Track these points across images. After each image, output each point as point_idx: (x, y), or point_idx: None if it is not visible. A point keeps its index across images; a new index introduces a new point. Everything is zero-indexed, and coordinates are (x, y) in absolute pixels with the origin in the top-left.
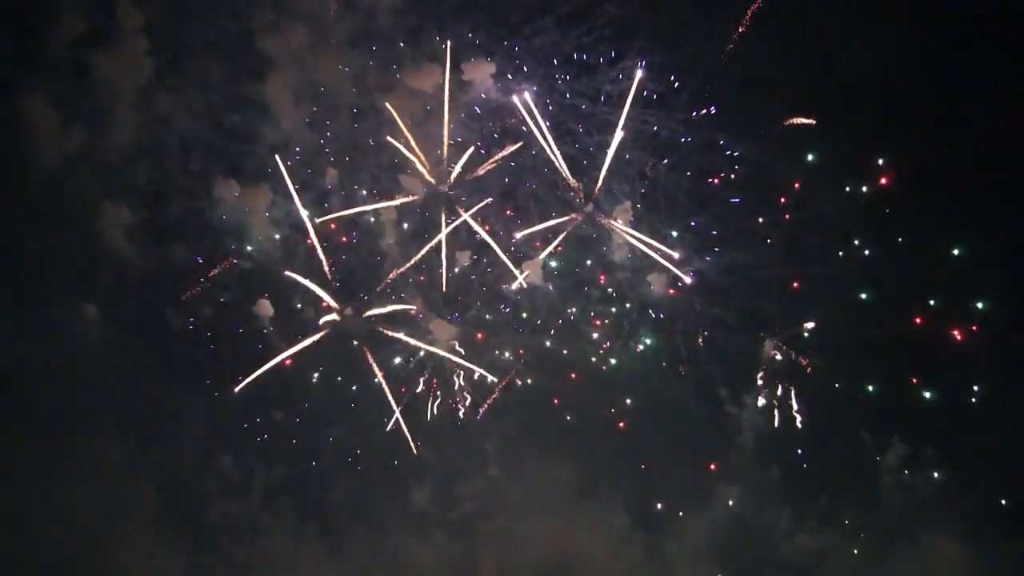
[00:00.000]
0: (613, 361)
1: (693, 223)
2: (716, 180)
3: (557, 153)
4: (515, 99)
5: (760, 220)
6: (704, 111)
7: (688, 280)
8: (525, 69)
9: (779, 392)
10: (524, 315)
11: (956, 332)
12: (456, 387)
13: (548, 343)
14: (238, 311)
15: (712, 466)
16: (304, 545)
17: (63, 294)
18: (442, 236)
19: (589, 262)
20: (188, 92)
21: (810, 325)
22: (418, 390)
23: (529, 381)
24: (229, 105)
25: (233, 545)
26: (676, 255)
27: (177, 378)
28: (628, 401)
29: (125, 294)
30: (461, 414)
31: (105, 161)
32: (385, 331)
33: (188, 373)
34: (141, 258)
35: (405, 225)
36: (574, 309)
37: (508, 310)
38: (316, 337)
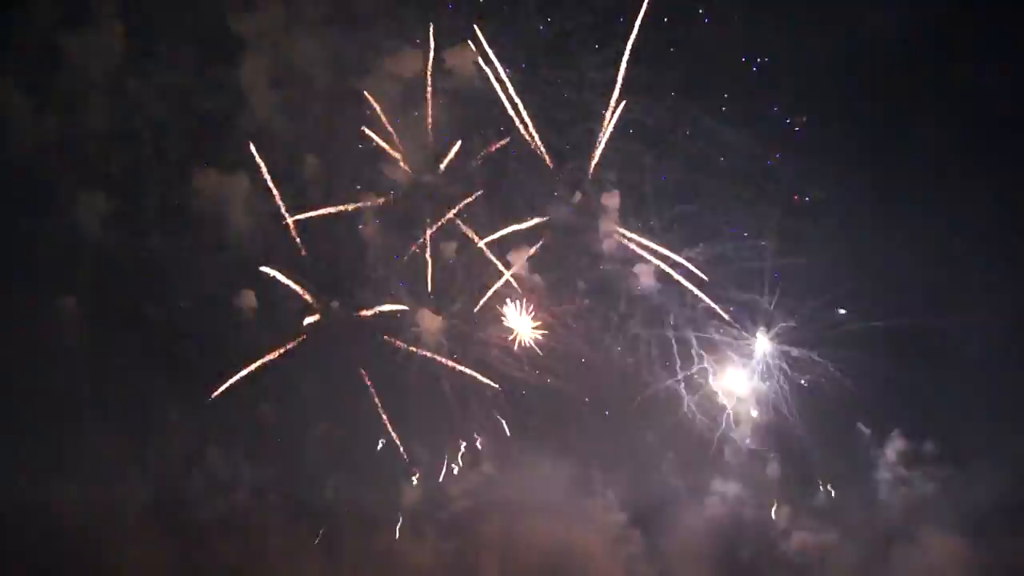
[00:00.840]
0: (603, 354)
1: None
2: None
3: (539, 142)
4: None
5: (753, 210)
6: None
7: (727, 317)
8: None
9: (774, 386)
10: (512, 308)
11: (957, 324)
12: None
13: (537, 336)
14: (221, 303)
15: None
16: (295, 542)
17: (41, 286)
18: (426, 237)
19: (577, 254)
20: (164, 77)
21: (805, 316)
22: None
23: (520, 375)
24: (205, 91)
25: (224, 544)
26: (706, 278)
27: (161, 372)
28: (621, 396)
29: (104, 286)
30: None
31: (80, 149)
32: (377, 334)
33: (172, 367)
34: (118, 248)
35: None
36: (563, 301)
37: (495, 303)
38: (297, 342)
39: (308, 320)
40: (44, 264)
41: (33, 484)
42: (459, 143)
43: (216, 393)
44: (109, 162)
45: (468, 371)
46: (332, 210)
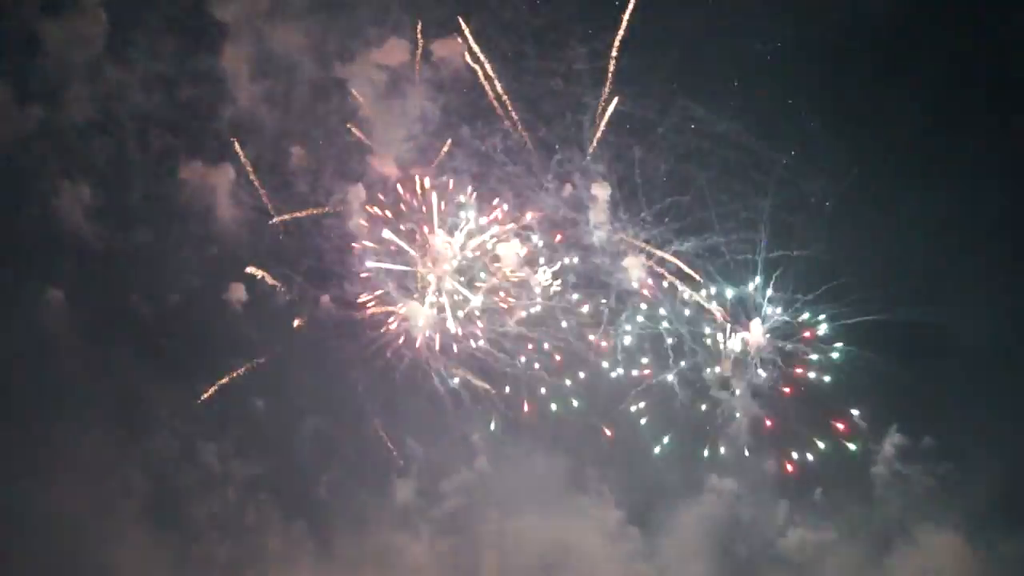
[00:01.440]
0: (596, 349)
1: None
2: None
3: (527, 134)
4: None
5: (745, 202)
6: None
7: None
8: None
9: (769, 380)
10: (503, 302)
11: (955, 319)
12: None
13: (528, 331)
14: (210, 297)
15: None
16: (289, 538)
17: (27, 279)
18: (417, 231)
19: (568, 247)
20: (146, 65)
21: (799, 310)
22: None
23: (512, 371)
24: (187, 80)
25: (217, 541)
26: (697, 277)
27: (151, 367)
28: (615, 392)
29: (90, 279)
30: None
31: (62, 139)
32: (367, 329)
33: (162, 362)
34: (103, 241)
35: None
36: (555, 296)
37: (487, 299)
38: (288, 337)
39: (297, 320)
40: (28, 256)
41: (23, 481)
42: (448, 139)
43: (207, 394)
44: (91, 152)
45: (460, 368)
46: (319, 211)
